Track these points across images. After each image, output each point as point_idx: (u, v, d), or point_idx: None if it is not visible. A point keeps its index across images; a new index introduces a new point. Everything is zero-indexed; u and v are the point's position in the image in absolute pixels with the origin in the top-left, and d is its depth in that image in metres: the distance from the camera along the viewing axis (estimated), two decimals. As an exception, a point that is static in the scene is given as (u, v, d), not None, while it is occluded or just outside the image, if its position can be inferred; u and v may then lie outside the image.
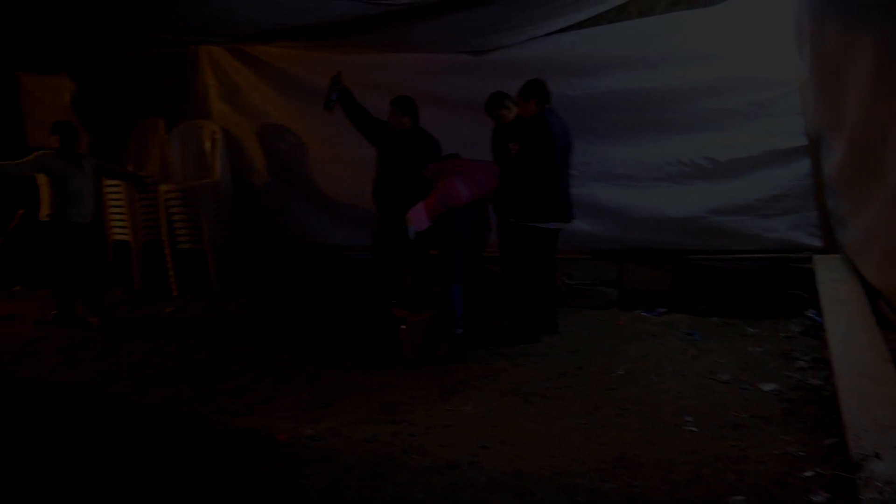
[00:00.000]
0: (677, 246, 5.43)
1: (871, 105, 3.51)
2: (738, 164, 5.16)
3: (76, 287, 5.99)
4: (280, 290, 6.61)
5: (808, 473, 3.04)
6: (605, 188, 5.48)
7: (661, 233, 5.44)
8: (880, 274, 3.99)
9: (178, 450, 3.69)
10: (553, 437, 3.60)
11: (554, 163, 4.78)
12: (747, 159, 5.12)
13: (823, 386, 3.91)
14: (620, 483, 3.10)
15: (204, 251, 6.66)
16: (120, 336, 5.65)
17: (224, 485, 3.31)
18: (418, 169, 4.86)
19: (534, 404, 4.01)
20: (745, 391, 4.01)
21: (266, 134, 6.85)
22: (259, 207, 7.01)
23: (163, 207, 6.63)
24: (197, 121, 6.90)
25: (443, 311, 4.76)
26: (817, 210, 5.03)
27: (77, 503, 3.26)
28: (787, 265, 5.13)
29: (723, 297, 5.30)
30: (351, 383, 4.44)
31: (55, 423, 4.15)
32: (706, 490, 3.00)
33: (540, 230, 4.86)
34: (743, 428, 3.56)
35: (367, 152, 5.53)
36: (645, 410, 3.83)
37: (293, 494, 3.19)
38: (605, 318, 5.40)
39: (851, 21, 3.53)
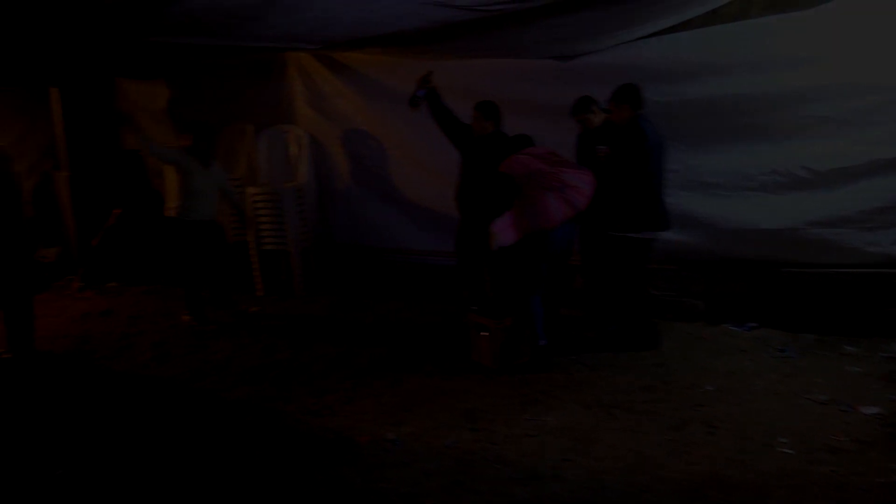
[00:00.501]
0: (769, 258, 5.21)
1: None
2: (838, 174, 4.91)
3: (202, 283, 6.13)
4: (361, 292, 6.69)
5: (918, 505, 2.87)
6: (694, 197, 5.30)
7: (752, 244, 5.23)
8: None
9: (262, 447, 3.77)
10: (638, 452, 3.50)
11: (650, 170, 4.66)
12: (849, 169, 4.87)
13: (932, 411, 3.68)
14: (711, 505, 2.99)
15: (288, 252, 6.80)
16: (207, 334, 5.83)
17: (306, 484, 3.35)
18: (500, 165, 4.73)
19: (617, 418, 3.91)
20: (845, 413, 3.80)
21: (350, 139, 6.95)
22: (342, 211, 7.13)
23: (249, 209, 6.81)
24: (284, 125, 7.07)
25: (523, 320, 4.70)
26: (924, 224, 4.75)
27: (168, 493, 3.36)
28: (890, 281, 4.85)
29: (818, 313, 5.04)
30: (431, 388, 4.44)
31: (147, 414, 4.32)
32: (804, 517, 2.86)
33: (634, 241, 4.73)
34: (843, 452, 3.37)
35: (449, 158, 5.53)
36: (735, 429, 3.68)
37: (374, 498, 3.21)
38: (692, 331, 5.22)
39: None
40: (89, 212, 7.95)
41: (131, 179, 8.22)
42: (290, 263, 6.85)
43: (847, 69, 4.75)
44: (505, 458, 3.51)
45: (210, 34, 4.38)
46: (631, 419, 3.88)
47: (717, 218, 5.30)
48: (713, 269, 5.40)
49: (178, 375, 4.97)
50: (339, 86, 6.88)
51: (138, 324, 6.30)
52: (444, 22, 4.21)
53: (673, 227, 5.03)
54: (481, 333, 4.74)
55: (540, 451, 3.56)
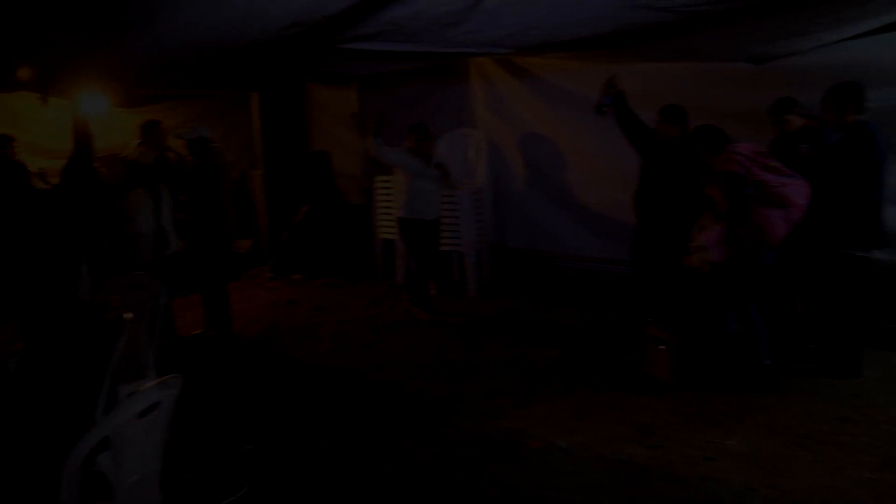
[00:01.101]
0: None
1: None
2: None
3: (429, 278, 6.38)
4: (533, 297, 6.68)
5: None
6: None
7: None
8: None
9: (433, 442, 3.86)
10: (833, 489, 3.21)
11: (877, 181, 4.24)
12: None
13: None
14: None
15: (462, 254, 6.94)
16: (382, 328, 6.07)
17: (474, 484, 3.39)
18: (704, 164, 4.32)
19: (809, 448, 3.61)
20: None
21: (527, 143, 6.98)
22: (516, 214, 7.17)
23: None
24: (463, 129, 7.21)
25: (713, 335, 4.46)
26: None
27: (343, 476, 3.53)
28: None
29: None
30: (603, 399, 4.34)
31: (330, 399, 4.56)
32: None
33: (855, 259, 4.31)
34: None
35: (627, 164, 5.39)
36: (952, 475, 3.29)
37: (544, 505, 3.18)
38: (897, 361, 4.74)
39: None
40: (280, 207, 8.56)
41: (318, 178, 8.75)
42: (463, 265, 6.98)
43: None
44: (682, 479, 3.36)
45: (407, 40, 4.53)
46: (825, 451, 3.57)
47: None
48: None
49: (356, 366, 5.21)
50: (517, 90, 6.93)
51: (320, 315, 6.68)
52: (640, 24, 4.10)
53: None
54: (658, 346, 4.57)
55: (721, 476, 3.36)
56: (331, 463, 3.70)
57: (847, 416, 3.94)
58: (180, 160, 6.08)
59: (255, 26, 3.77)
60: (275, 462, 3.72)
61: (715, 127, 4.32)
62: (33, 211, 5.63)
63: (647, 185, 5.16)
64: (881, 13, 4.40)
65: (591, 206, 6.53)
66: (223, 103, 9.31)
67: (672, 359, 4.48)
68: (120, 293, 4.26)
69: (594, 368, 4.84)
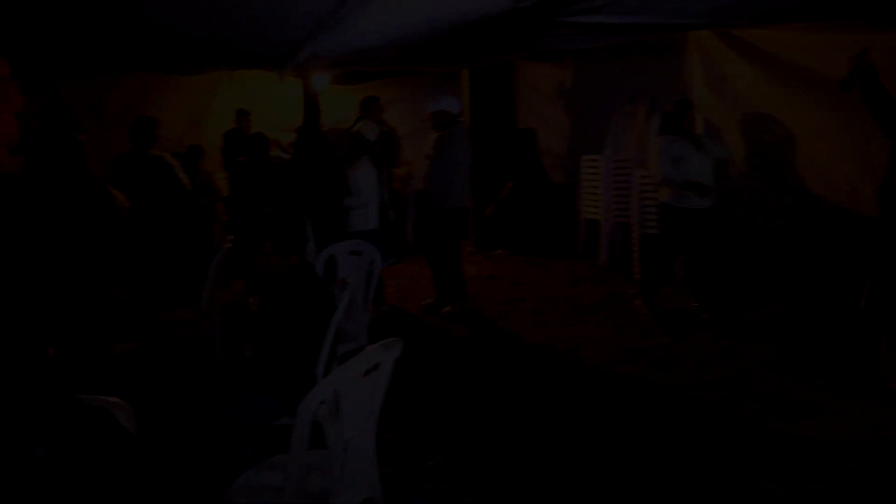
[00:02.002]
0: None
1: None
2: None
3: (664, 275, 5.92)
4: (745, 288, 6.23)
5: None
6: None
7: None
8: None
9: (646, 428, 3.76)
10: None
11: None
12: None
13: None
14: None
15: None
16: (583, 309, 5.99)
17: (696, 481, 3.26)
18: None
19: None
20: None
21: (749, 124, 6.49)
22: (735, 199, 6.70)
23: (636, 191, 6.79)
24: (678, 107, 6.85)
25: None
26: None
27: (539, 455, 3.54)
28: None
29: None
30: (824, 405, 3.95)
31: (527, 377, 4.60)
32: None
33: None
34: None
35: (873, 146, 4.82)
36: None
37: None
38: None
39: None
40: (485, 183, 8.71)
41: (523, 156, 8.78)
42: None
43: None
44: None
45: (632, 12, 4.38)
46: None
47: None
48: None
49: (556, 344, 5.20)
50: (741, 65, 6.44)
51: (520, 291, 6.73)
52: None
53: None
54: (896, 352, 4.08)
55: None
56: (527, 439, 3.72)
57: None
58: (393, 134, 6.37)
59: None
60: (473, 432, 3.81)
61: None
62: (272, 178, 6.19)
63: (896, 173, 4.58)
64: None
65: (822, 192, 5.94)
66: (433, 80, 9.61)
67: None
68: (339, 258, 4.58)
69: (812, 370, 4.43)
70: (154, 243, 5.64)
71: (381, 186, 5.75)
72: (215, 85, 8.96)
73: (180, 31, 4.30)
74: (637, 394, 4.26)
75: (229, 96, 8.88)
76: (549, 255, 8.03)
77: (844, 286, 5.12)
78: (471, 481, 3.29)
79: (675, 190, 5.39)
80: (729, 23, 5.61)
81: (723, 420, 3.84)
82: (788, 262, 6.17)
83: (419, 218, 7.83)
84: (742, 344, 4.97)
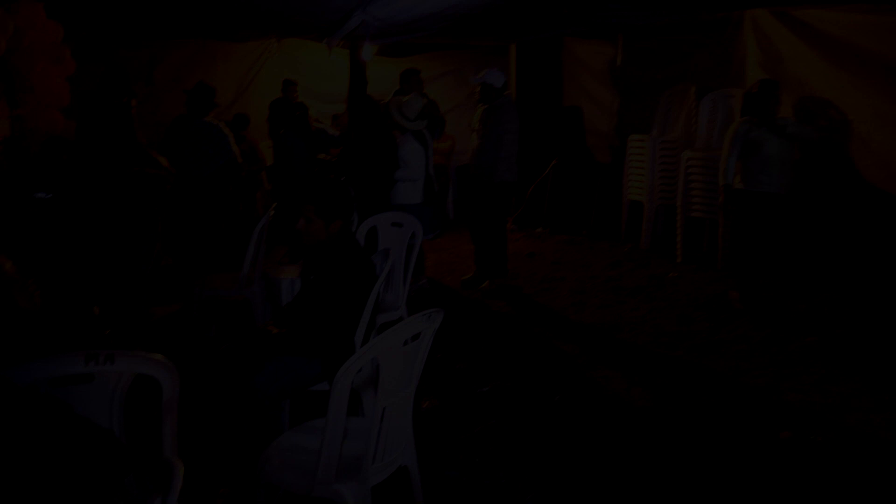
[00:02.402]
0: None
1: None
2: None
3: (766, 268, 5.31)
4: (796, 276, 6.09)
5: None
6: None
7: None
8: None
9: (682, 414, 3.72)
10: None
11: None
12: None
13: None
14: None
15: (716, 222, 6.50)
16: (623, 290, 5.93)
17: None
18: None
19: None
20: None
21: (805, 108, 6.28)
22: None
23: (682, 173, 6.66)
24: (730, 88, 6.69)
25: None
26: None
27: (571, 433, 3.53)
28: None
29: None
30: (867, 397, 3.86)
31: (564, 355, 4.58)
32: None
33: None
34: None
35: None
36: None
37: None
38: None
39: None
40: (528, 161, 8.63)
41: (568, 134, 8.68)
42: (715, 234, 6.56)
43: None
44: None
45: None
46: None
47: None
48: None
49: (594, 324, 5.16)
50: (799, 47, 6.23)
51: (559, 270, 6.69)
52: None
53: None
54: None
55: None
56: (561, 417, 3.71)
57: None
58: (435, 106, 6.32)
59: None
60: (508, 408, 3.81)
61: None
62: (313, 146, 6.21)
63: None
64: None
65: (879, 183, 5.75)
66: (481, 55, 9.53)
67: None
68: (381, 228, 4.59)
69: (858, 363, 4.33)
70: (199, 210, 5.73)
71: (429, 161, 5.75)
72: (262, 55, 9.02)
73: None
74: (674, 378, 4.21)
75: (276, 67, 8.94)
76: (591, 236, 7.96)
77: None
78: (504, 456, 3.30)
79: (749, 175, 5.16)
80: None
81: (763, 409, 3.78)
82: (841, 252, 6.02)
83: (464, 193, 7.80)
84: (786, 333, 4.87)
